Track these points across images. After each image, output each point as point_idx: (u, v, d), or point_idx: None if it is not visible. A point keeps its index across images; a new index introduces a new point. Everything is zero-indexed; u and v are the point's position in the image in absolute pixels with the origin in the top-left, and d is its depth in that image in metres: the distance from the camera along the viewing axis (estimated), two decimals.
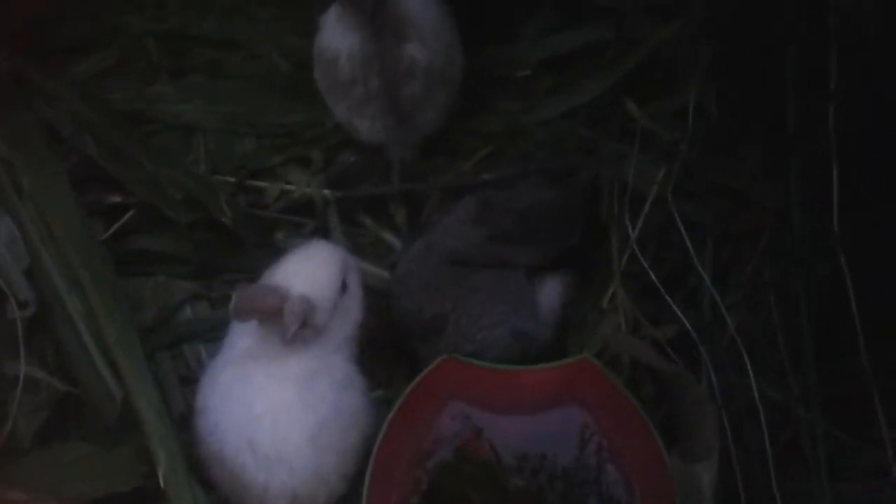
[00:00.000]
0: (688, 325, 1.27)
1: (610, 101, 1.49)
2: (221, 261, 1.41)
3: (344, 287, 1.22)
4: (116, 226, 1.40)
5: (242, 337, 1.20)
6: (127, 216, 1.41)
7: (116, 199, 1.41)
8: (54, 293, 1.30)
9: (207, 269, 1.41)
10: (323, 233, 1.44)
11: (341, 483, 1.20)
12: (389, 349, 1.36)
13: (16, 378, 1.23)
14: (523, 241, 1.30)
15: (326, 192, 1.45)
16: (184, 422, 1.32)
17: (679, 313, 1.28)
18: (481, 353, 1.27)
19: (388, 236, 1.45)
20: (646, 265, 1.33)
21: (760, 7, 1.32)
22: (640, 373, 1.32)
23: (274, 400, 1.15)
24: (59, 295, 1.30)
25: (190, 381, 1.35)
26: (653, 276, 1.32)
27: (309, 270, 1.19)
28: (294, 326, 1.11)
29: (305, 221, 1.45)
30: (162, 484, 1.19)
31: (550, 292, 1.34)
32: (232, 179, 1.45)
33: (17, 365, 1.23)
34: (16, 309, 1.25)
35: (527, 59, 1.55)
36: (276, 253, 1.29)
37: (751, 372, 1.20)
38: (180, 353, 1.37)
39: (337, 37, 1.37)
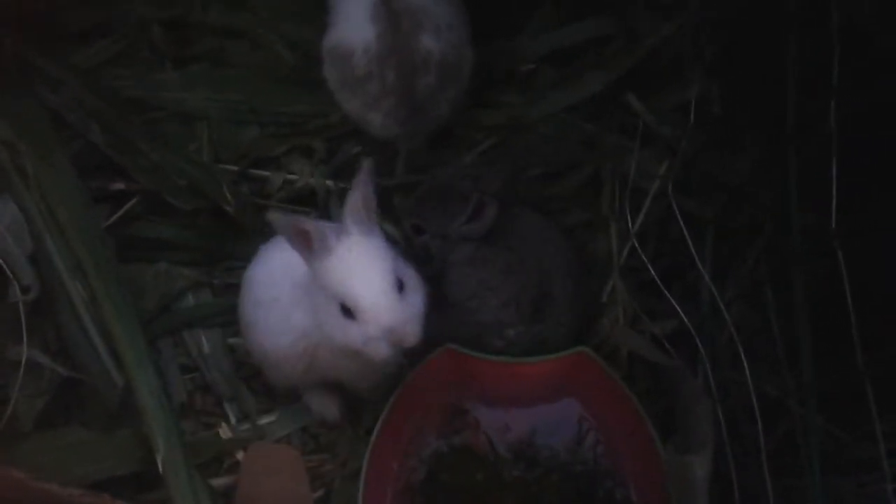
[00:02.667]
0: (686, 320, 1.28)
1: (612, 95, 1.50)
2: (223, 249, 1.42)
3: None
4: (120, 212, 1.41)
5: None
6: (130, 203, 1.42)
7: (120, 186, 1.42)
8: (57, 278, 1.31)
9: (209, 256, 1.42)
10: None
11: None
12: None
13: (18, 362, 1.24)
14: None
15: (329, 182, 1.46)
16: (183, 409, 1.33)
17: (677, 308, 1.29)
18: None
19: (390, 228, 1.45)
20: (645, 260, 1.34)
21: (762, 4, 1.32)
22: (637, 366, 1.33)
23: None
24: (62, 280, 1.31)
25: (190, 368, 1.37)
26: (651, 271, 1.32)
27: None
28: (287, 218, 1.05)
29: (308, 211, 1.45)
30: (161, 469, 1.20)
31: None
32: (235, 168, 1.46)
33: (20, 349, 1.24)
34: (19, 293, 1.26)
35: (530, 54, 1.55)
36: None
37: (746, 367, 1.21)
38: (181, 341, 1.38)
39: (352, 32, 1.38)
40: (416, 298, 1.08)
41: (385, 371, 1.16)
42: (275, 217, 1.05)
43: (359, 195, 1.07)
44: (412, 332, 1.05)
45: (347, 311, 1.05)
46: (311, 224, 1.05)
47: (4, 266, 1.27)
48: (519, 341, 1.28)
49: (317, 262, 1.07)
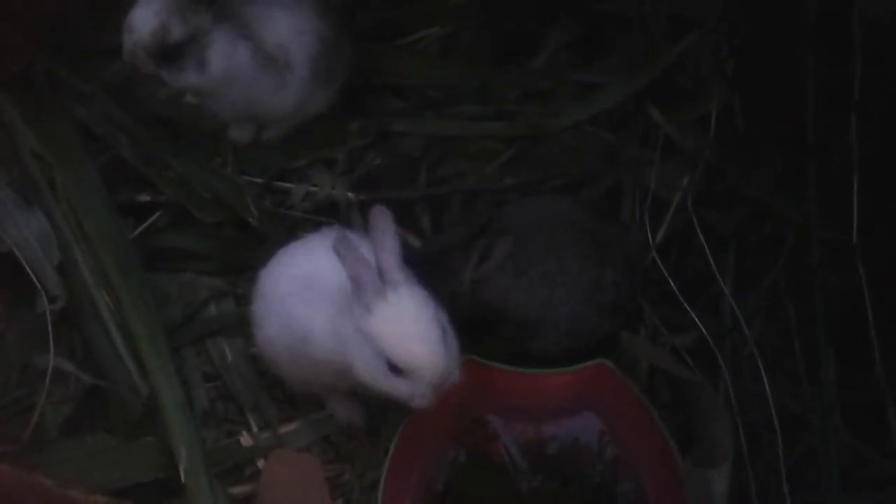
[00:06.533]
0: (706, 334, 1.27)
1: (634, 107, 1.50)
2: (247, 259, 1.43)
3: None
4: (146, 224, 1.43)
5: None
6: (156, 215, 1.44)
7: (146, 198, 1.45)
8: (84, 288, 1.34)
9: (233, 267, 1.44)
10: None
11: None
12: None
13: (44, 370, 1.27)
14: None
15: (350, 193, 1.47)
16: (206, 417, 1.35)
17: (698, 321, 1.28)
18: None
19: (412, 239, 1.46)
20: (665, 273, 1.33)
21: (783, 18, 1.32)
22: (657, 379, 1.33)
23: None
24: (89, 290, 1.34)
25: (213, 377, 1.38)
26: (672, 284, 1.32)
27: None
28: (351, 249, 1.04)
29: (330, 222, 1.46)
30: (183, 478, 1.22)
31: None
32: (259, 180, 1.48)
33: (46, 357, 1.27)
34: (46, 302, 1.29)
35: (551, 64, 1.56)
36: None
37: (766, 381, 1.20)
38: (204, 350, 1.39)
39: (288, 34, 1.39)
40: (453, 339, 1.07)
41: None
42: (340, 243, 1.03)
43: (394, 243, 1.05)
44: (455, 377, 1.06)
45: (395, 368, 1.04)
46: (368, 272, 1.03)
47: (32, 275, 1.30)
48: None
49: (362, 307, 1.04)
